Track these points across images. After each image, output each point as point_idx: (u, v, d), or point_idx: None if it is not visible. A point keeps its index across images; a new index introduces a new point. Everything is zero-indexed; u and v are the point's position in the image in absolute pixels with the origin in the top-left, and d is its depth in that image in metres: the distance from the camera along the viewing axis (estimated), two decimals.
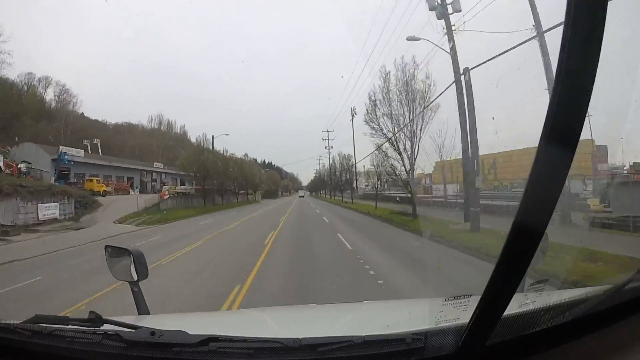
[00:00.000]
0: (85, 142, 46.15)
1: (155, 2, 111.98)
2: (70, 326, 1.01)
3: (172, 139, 67.36)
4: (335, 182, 51.68)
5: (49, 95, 51.13)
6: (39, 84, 49.59)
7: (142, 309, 1.52)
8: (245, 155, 67.35)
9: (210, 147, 42.34)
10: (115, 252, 1.61)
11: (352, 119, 38.73)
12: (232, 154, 53.84)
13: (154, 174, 50.60)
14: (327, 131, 55.24)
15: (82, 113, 55.46)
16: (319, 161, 76.94)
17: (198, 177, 37.67)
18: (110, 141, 53.97)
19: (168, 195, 33.57)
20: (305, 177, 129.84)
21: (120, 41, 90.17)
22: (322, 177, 72.45)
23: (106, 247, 1.67)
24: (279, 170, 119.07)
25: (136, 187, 43.40)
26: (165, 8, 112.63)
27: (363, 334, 0.86)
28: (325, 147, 54.54)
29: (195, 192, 38.77)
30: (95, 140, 48.47)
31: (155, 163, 51.44)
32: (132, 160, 48.85)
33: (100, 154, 46.26)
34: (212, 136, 42.90)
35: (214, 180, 39.17)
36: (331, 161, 54.59)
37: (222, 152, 46.85)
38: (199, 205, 35.67)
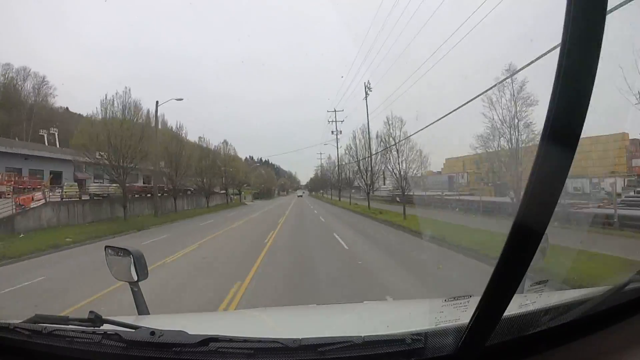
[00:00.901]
0: (42, 132, 39.40)
1: (157, 2, 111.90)
2: (70, 326, 1.01)
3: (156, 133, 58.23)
4: (350, 177, 34.80)
5: (28, 87, 46.06)
6: (17, 75, 45.35)
7: (142, 309, 1.53)
8: (225, 142, 48.34)
9: (148, 120, 25.80)
10: (115, 252, 1.62)
11: (365, 97, 29.46)
12: (201, 137, 40.33)
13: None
14: (335, 111, 40.10)
15: (67, 108, 50.77)
16: (321, 155, 65.26)
17: (113, 165, 21.33)
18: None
19: (42, 201, 18.74)
20: (304, 175, 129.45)
21: (117, 39, 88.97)
22: (324, 174, 64.91)
23: (106, 247, 1.68)
24: (277, 169, 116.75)
25: (63, 185, 26.93)
26: (165, 6, 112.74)
27: (363, 334, 0.86)
28: (333, 132, 40.92)
29: (125, 193, 21.92)
30: (53, 130, 39.85)
31: (98, 153, 28.76)
32: (56, 148, 34.49)
33: (58, 145, 36.50)
34: (157, 102, 26.41)
35: (163, 175, 25.73)
36: (347, 143, 37.51)
37: (175, 130, 31.00)
38: (121, 216, 20.99)
